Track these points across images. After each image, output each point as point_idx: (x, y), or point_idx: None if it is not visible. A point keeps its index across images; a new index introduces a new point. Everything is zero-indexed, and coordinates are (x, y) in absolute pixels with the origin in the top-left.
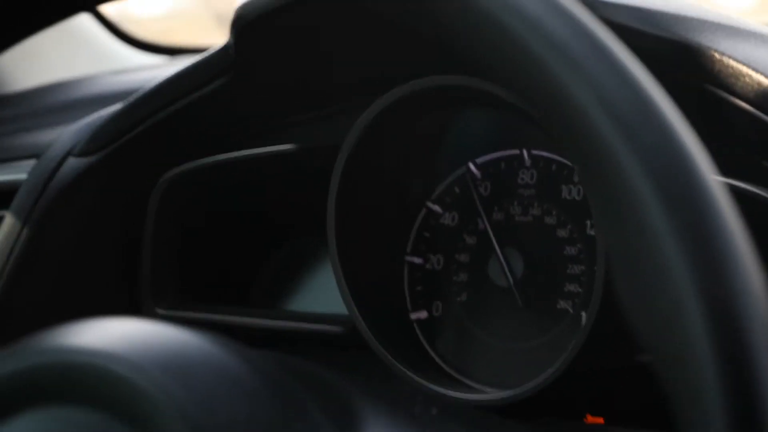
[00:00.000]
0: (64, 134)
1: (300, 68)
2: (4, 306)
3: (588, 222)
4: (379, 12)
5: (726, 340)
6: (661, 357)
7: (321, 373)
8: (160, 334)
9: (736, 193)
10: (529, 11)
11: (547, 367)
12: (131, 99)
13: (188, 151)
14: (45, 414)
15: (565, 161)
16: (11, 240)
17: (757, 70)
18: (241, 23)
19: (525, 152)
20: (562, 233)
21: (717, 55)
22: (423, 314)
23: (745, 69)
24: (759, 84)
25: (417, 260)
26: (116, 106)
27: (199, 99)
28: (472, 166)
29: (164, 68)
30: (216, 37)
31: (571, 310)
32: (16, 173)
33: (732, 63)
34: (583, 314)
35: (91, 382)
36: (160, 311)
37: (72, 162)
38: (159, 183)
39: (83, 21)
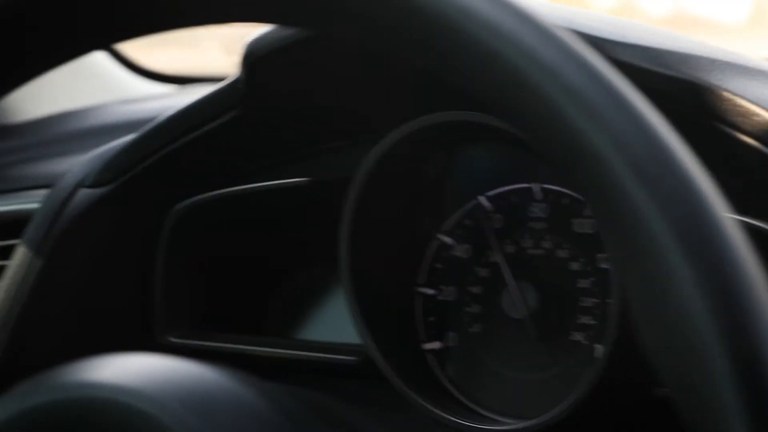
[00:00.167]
0: (76, 165)
1: (309, 102)
2: (18, 335)
3: (600, 255)
4: (391, 52)
5: (753, 389)
6: (685, 400)
7: (339, 407)
8: (180, 370)
9: (747, 230)
10: (546, 59)
11: (560, 399)
12: (142, 131)
13: (199, 182)
14: None
15: (576, 195)
16: (24, 270)
17: (766, 109)
18: (251, 58)
19: (536, 186)
20: (574, 266)
21: (726, 95)
22: (436, 344)
23: (754, 108)
24: None
25: (429, 291)
26: (127, 138)
27: (210, 131)
28: (483, 199)
29: (173, 97)
30: (223, 65)
31: (584, 342)
32: (28, 203)
33: (741, 102)
34: (597, 346)
35: (114, 419)
36: (173, 340)
37: (84, 193)
38: (170, 214)
39: None
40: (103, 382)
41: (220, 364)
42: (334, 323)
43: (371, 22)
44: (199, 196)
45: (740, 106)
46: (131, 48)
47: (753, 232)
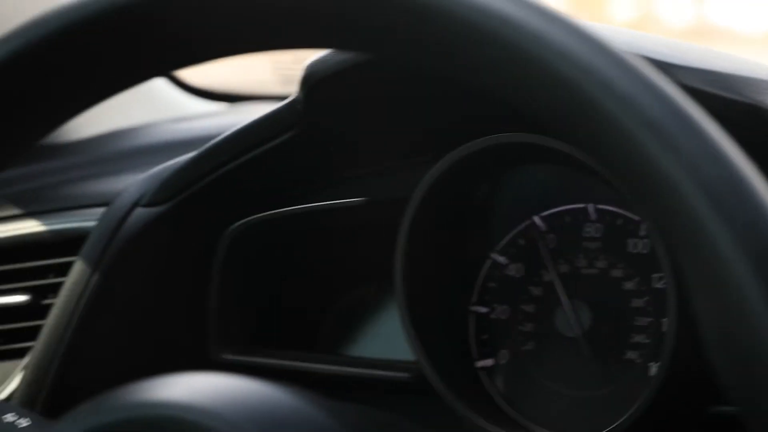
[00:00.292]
0: (132, 184)
1: (366, 124)
2: (74, 351)
3: (655, 275)
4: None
5: None
6: (753, 414)
7: (400, 422)
8: (250, 388)
9: None
10: (620, 87)
11: (613, 416)
12: (199, 151)
13: (255, 202)
14: None
15: (631, 216)
16: (81, 286)
17: None
18: (311, 81)
19: (591, 206)
20: (628, 285)
21: None
22: (489, 362)
23: None
24: None
25: (482, 310)
26: (184, 157)
27: (267, 152)
28: (537, 219)
29: (224, 116)
30: (272, 83)
31: (638, 361)
32: (85, 221)
33: None
34: (651, 365)
35: None
36: (227, 357)
37: (140, 212)
38: (226, 233)
39: None
40: (172, 401)
41: (284, 383)
42: (386, 340)
43: (443, 49)
44: (255, 216)
45: None
46: None
47: None
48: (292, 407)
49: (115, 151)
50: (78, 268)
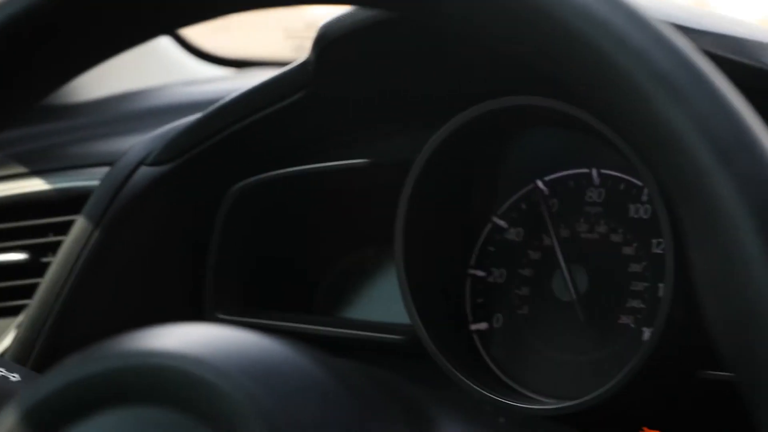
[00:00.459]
0: (138, 144)
1: (377, 85)
2: (72, 305)
3: (654, 240)
4: (474, 36)
5: None
6: (748, 378)
7: (394, 378)
8: (243, 339)
9: None
10: (634, 42)
11: (605, 380)
12: (208, 111)
13: (259, 163)
14: (128, 414)
15: (634, 180)
16: (81, 242)
17: None
18: (324, 41)
19: (594, 171)
20: (627, 251)
21: None
22: (483, 326)
23: None
24: None
25: (480, 273)
26: (191, 117)
27: (275, 113)
28: (540, 183)
29: (233, 80)
30: (283, 50)
31: (632, 326)
32: (89, 180)
33: None
34: (645, 330)
35: (175, 387)
36: (222, 316)
37: (144, 171)
38: (229, 193)
39: None
40: (163, 350)
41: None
42: (381, 303)
43: (460, 9)
44: (257, 176)
45: None
46: (192, 32)
47: None
48: (284, 358)
49: (123, 113)
50: (79, 225)
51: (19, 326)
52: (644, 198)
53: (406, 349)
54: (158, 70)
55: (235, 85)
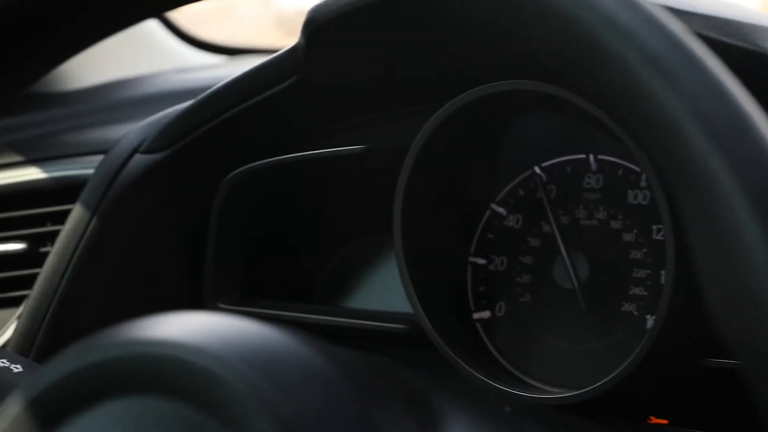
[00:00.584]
0: (132, 131)
1: (368, 71)
2: (71, 295)
3: (654, 227)
4: (465, 20)
5: None
6: (751, 365)
7: (397, 367)
8: (242, 327)
9: None
10: (624, 23)
11: (608, 369)
12: (199, 98)
13: (255, 150)
14: (129, 404)
15: (631, 166)
16: (79, 232)
17: None
18: (313, 25)
19: (591, 157)
20: (627, 237)
21: None
22: (486, 314)
23: None
24: None
25: (480, 261)
26: (184, 105)
27: (267, 99)
28: (537, 170)
29: (225, 68)
30: (275, 37)
31: (635, 313)
32: (84, 168)
33: None
34: (648, 317)
35: (175, 375)
36: (222, 306)
37: (139, 158)
38: (225, 181)
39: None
40: (164, 340)
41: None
42: (383, 292)
43: None
44: (253, 164)
45: None
46: (184, 20)
47: None
48: (285, 346)
49: (116, 100)
50: (76, 214)
51: (19, 317)
52: (642, 184)
53: (409, 338)
54: (151, 57)
55: (228, 73)
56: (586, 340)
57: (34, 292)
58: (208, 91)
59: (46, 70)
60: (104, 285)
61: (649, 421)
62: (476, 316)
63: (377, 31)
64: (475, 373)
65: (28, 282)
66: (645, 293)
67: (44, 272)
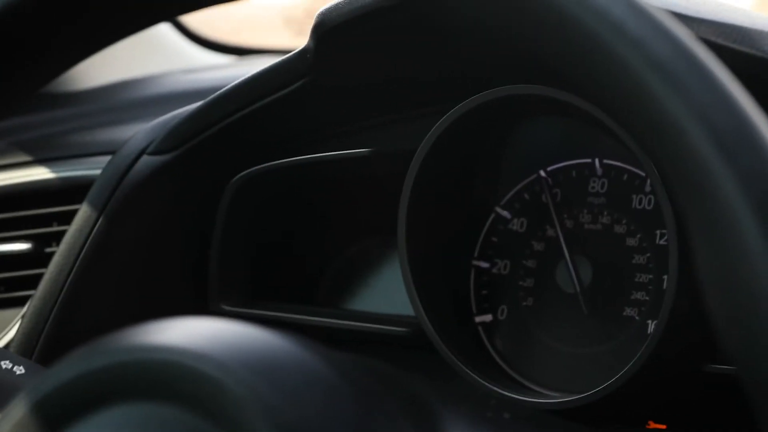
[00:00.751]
0: (139, 132)
1: (376, 74)
2: (76, 296)
3: (658, 232)
4: (475, 24)
5: None
6: (750, 374)
7: (397, 373)
8: (245, 333)
9: None
10: (632, 30)
11: (610, 374)
12: (208, 100)
13: (262, 152)
14: (132, 410)
15: (636, 171)
16: (85, 232)
17: None
18: (322, 29)
19: (597, 161)
20: (631, 242)
21: None
22: (488, 318)
23: None
24: None
25: (484, 264)
26: (192, 106)
27: (275, 101)
28: (543, 173)
29: (234, 68)
30: (283, 37)
31: (636, 318)
32: (91, 169)
33: None
34: (649, 322)
35: (179, 381)
36: (227, 308)
37: (146, 160)
38: (231, 183)
39: None
40: (167, 345)
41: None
42: (386, 295)
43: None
44: (261, 166)
45: None
46: (193, 19)
47: None
48: (287, 352)
49: (125, 101)
50: (82, 214)
51: (23, 317)
52: (647, 188)
53: (411, 341)
54: (159, 57)
55: (237, 73)
56: (588, 344)
57: (38, 293)
58: (217, 93)
59: (59, 72)
60: (109, 286)
61: (648, 426)
62: (478, 319)
63: (385, 35)
64: (476, 377)
65: (33, 282)
66: (647, 298)
67: (49, 272)
